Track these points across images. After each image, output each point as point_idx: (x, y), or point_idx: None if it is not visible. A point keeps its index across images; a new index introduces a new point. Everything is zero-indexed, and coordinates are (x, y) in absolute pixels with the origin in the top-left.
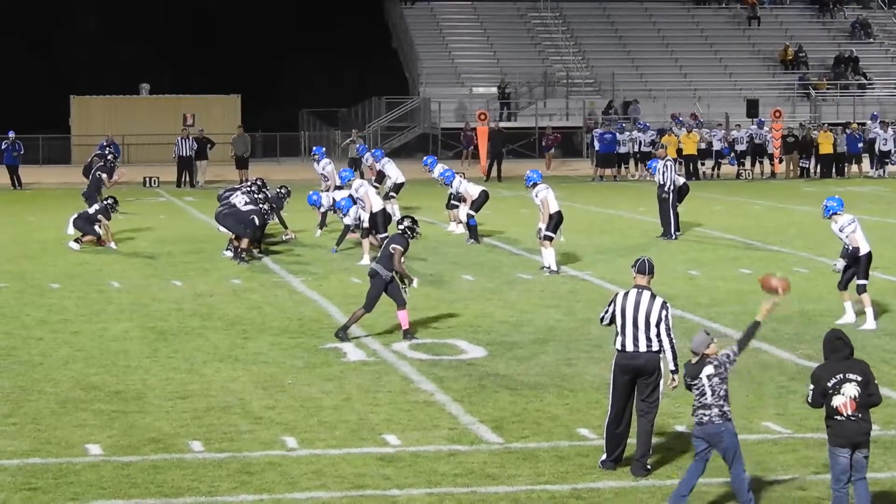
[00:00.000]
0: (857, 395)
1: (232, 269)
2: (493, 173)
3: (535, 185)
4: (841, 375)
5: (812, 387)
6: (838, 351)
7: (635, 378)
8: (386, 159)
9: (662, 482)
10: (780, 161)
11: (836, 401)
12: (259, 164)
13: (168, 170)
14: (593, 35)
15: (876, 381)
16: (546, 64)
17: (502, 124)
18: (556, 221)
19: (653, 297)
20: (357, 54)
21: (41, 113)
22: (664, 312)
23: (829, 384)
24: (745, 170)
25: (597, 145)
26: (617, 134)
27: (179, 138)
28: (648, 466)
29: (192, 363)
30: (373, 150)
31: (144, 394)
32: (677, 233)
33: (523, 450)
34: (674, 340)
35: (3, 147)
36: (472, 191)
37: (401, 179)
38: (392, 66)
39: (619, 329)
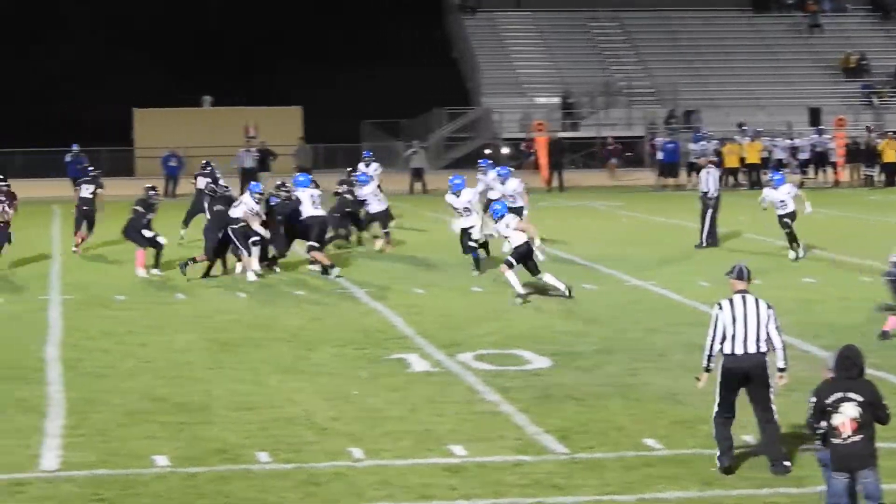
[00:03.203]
0: (857, 415)
1: (295, 280)
2: (555, 183)
3: (502, 217)
4: (841, 394)
5: (813, 401)
6: (847, 369)
7: (743, 382)
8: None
9: (728, 492)
10: (843, 169)
11: (836, 420)
12: (321, 174)
13: (230, 182)
14: (654, 44)
15: (885, 402)
16: (607, 73)
17: (564, 134)
18: (522, 252)
19: (756, 300)
20: (418, 65)
21: (104, 126)
22: (770, 311)
23: (829, 401)
24: (807, 178)
25: (660, 154)
26: (689, 144)
27: (242, 150)
28: (787, 463)
29: (256, 374)
30: (499, 168)
31: (210, 405)
32: (710, 240)
33: (589, 460)
34: (782, 339)
35: (67, 160)
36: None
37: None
38: (453, 76)
39: (728, 336)
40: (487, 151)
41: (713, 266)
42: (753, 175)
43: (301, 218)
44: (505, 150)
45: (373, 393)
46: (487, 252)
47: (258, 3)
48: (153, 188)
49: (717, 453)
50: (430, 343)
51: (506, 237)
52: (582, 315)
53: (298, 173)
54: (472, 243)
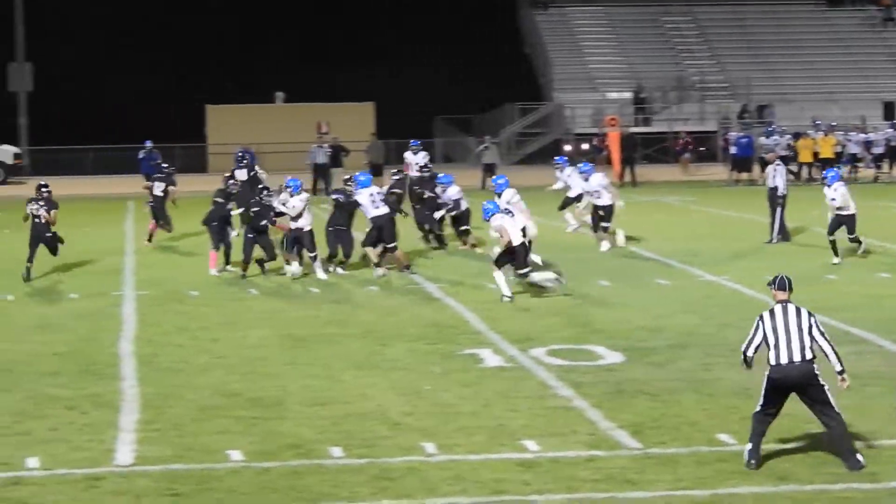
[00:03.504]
0: None
1: (368, 276)
2: (628, 178)
3: (493, 215)
4: None
5: None
6: None
7: (789, 391)
8: (571, 168)
9: (803, 486)
10: None
11: None
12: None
13: (303, 178)
14: (726, 38)
15: None
16: (679, 68)
17: (637, 129)
18: (523, 255)
19: (798, 309)
20: (490, 60)
21: (177, 122)
22: (812, 319)
23: None
24: (882, 173)
25: (733, 149)
26: (760, 139)
27: (314, 146)
28: (860, 457)
29: (329, 370)
30: (581, 164)
31: (283, 400)
32: (780, 235)
33: (662, 455)
34: (830, 342)
35: (140, 157)
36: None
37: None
38: (525, 71)
39: (771, 345)
40: (567, 148)
41: (786, 261)
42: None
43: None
44: (567, 147)
45: (446, 388)
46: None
47: None
48: (231, 177)
49: (748, 446)
50: (503, 338)
51: (499, 235)
52: (655, 310)
53: (359, 172)
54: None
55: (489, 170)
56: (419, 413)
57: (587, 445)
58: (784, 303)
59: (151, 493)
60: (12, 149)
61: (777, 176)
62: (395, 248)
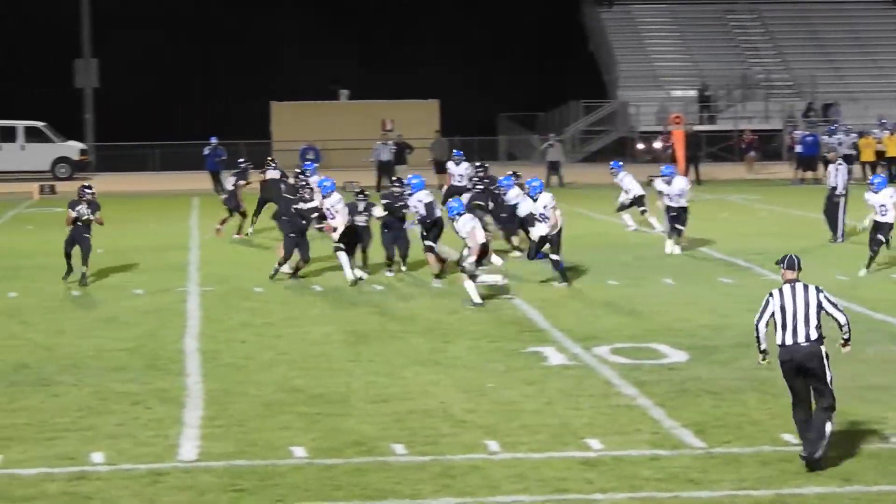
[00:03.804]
0: None
1: (430, 274)
2: (692, 177)
3: (460, 215)
4: None
5: None
6: None
7: (799, 371)
8: (624, 172)
9: (868, 488)
10: None
11: None
12: None
13: (367, 175)
14: (792, 36)
15: None
16: (744, 66)
17: (701, 127)
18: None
19: (805, 286)
20: (554, 58)
21: (242, 119)
22: (821, 295)
23: None
24: None
25: (798, 148)
26: (825, 137)
27: (379, 143)
28: (820, 450)
29: (392, 366)
30: (663, 168)
31: (347, 397)
32: (841, 238)
33: (726, 454)
34: (844, 313)
35: (205, 153)
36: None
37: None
38: (590, 69)
39: (779, 325)
40: (640, 146)
41: (850, 260)
42: (893, 168)
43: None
44: (640, 146)
45: (509, 386)
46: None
47: None
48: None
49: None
50: (567, 336)
51: (464, 237)
52: (718, 309)
53: (412, 175)
54: (546, 250)
55: (553, 167)
56: (482, 411)
57: (650, 444)
58: (792, 282)
59: (214, 489)
60: (78, 145)
61: (838, 175)
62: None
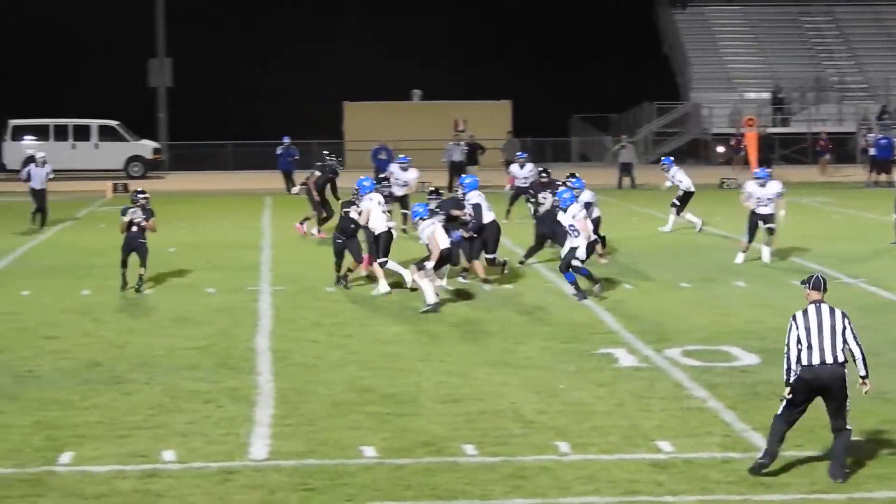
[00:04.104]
0: None
1: (503, 274)
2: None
3: (422, 219)
4: None
5: None
6: None
7: (816, 393)
8: (675, 168)
9: None
10: None
11: None
12: None
13: (439, 175)
14: (866, 38)
15: None
16: (818, 68)
17: (775, 130)
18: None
19: (831, 309)
20: (628, 59)
21: (316, 119)
22: (846, 321)
23: None
24: None
25: (872, 150)
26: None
27: (451, 144)
28: (847, 471)
29: (464, 367)
30: (757, 171)
31: (417, 397)
32: None
33: (797, 458)
34: (861, 346)
35: (278, 152)
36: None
37: (691, 188)
38: (663, 71)
39: (804, 345)
40: (721, 150)
41: None
42: None
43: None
44: (721, 149)
45: (580, 387)
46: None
47: None
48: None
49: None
50: (638, 338)
51: (424, 243)
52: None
53: (464, 175)
54: (575, 262)
55: (626, 169)
56: (553, 412)
57: (721, 447)
58: (818, 303)
59: (284, 488)
60: (151, 144)
61: None
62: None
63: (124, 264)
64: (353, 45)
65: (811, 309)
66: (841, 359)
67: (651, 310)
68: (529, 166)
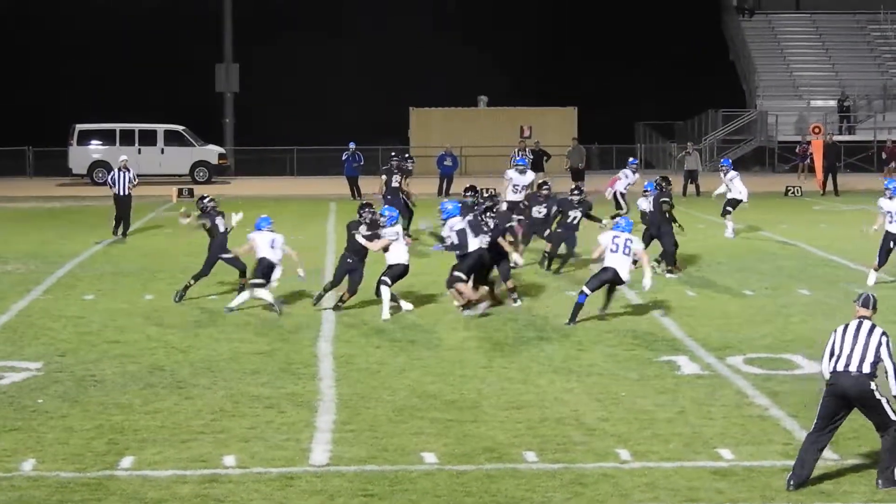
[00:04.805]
0: None
1: (566, 280)
2: (829, 187)
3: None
4: None
5: None
6: None
7: (842, 402)
8: (734, 172)
9: None
10: None
11: None
12: (594, 175)
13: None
14: None
15: None
16: (885, 76)
17: (841, 138)
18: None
19: (872, 326)
20: (694, 66)
21: (382, 124)
22: (884, 338)
23: None
24: None
25: None
26: None
27: (516, 150)
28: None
29: (526, 374)
30: (888, 180)
31: (479, 403)
32: None
33: (859, 466)
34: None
35: (343, 158)
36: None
37: (741, 196)
38: (729, 78)
39: (835, 354)
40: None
41: None
42: None
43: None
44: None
45: (642, 395)
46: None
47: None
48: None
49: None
50: (701, 346)
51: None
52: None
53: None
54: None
55: (691, 176)
56: (614, 419)
57: (783, 455)
58: (861, 319)
59: (345, 494)
60: (217, 149)
61: None
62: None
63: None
64: (423, 51)
65: (853, 323)
66: (867, 370)
67: (714, 317)
68: (530, 175)
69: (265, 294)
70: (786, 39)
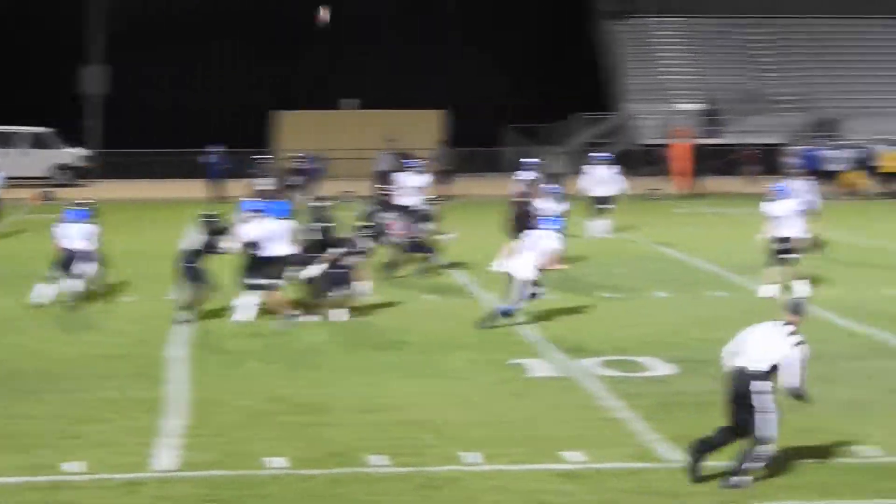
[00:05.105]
0: None
1: (426, 284)
2: (694, 189)
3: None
4: None
5: None
6: None
7: (730, 398)
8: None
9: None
10: None
11: None
12: (464, 179)
13: (361, 186)
14: (799, 51)
15: None
16: (752, 80)
17: (707, 141)
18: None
19: (784, 327)
20: (563, 70)
21: (249, 128)
22: (792, 345)
23: None
24: None
25: (801, 162)
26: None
27: (382, 153)
28: (735, 479)
29: (380, 378)
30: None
31: (332, 407)
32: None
33: (707, 468)
34: (799, 377)
35: (207, 161)
36: None
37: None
38: (598, 82)
39: (738, 353)
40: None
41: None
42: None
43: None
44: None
45: (494, 398)
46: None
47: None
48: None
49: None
50: (556, 348)
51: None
52: (710, 322)
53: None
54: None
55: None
56: (466, 423)
57: (632, 457)
58: (784, 322)
59: (191, 499)
60: (80, 151)
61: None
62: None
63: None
64: (287, 52)
65: (769, 323)
66: (752, 370)
67: (571, 320)
68: (420, 178)
69: (74, 285)
70: (654, 43)
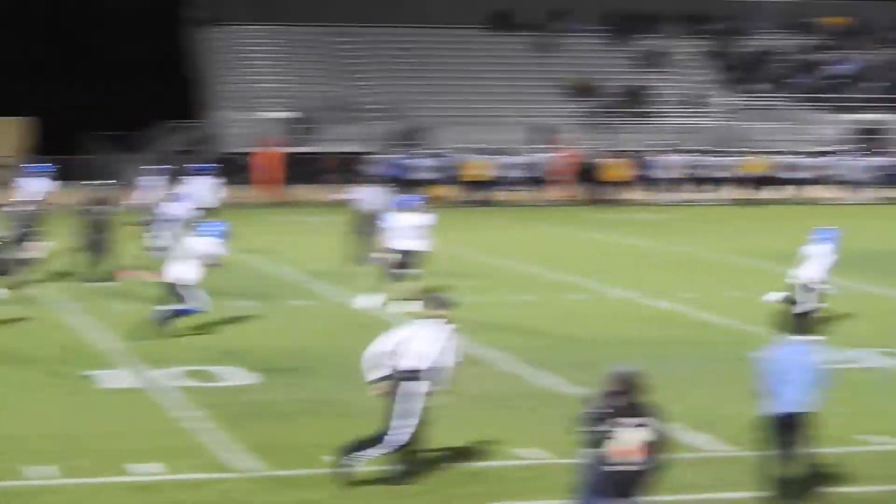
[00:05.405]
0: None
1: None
2: (282, 198)
3: None
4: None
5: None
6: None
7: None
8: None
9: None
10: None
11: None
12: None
13: None
14: (391, 60)
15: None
16: (344, 89)
17: (295, 149)
18: None
19: (435, 324)
20: (151, 77)
21: None
22: (441, 339)
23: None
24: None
25: (389, 171)
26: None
27: None
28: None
29: None
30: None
31: None
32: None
33: (285, 477)
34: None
35: None
36: None
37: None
38: (185, 90)
39: (399, 352)
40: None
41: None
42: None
43: None
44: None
45: (65, 411)
46: None
47: None
48: None
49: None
50: (136, 359)
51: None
52: (291, 331)
53: None
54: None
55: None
56: (33, 436)
57: (209, 468)
58: (433, 319)
59: None
60: None
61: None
62: None
63: None
64: None
65: (423, 322)
66: (406, 367)
67: (151, 330)
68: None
69: None
70: (245, 51)
